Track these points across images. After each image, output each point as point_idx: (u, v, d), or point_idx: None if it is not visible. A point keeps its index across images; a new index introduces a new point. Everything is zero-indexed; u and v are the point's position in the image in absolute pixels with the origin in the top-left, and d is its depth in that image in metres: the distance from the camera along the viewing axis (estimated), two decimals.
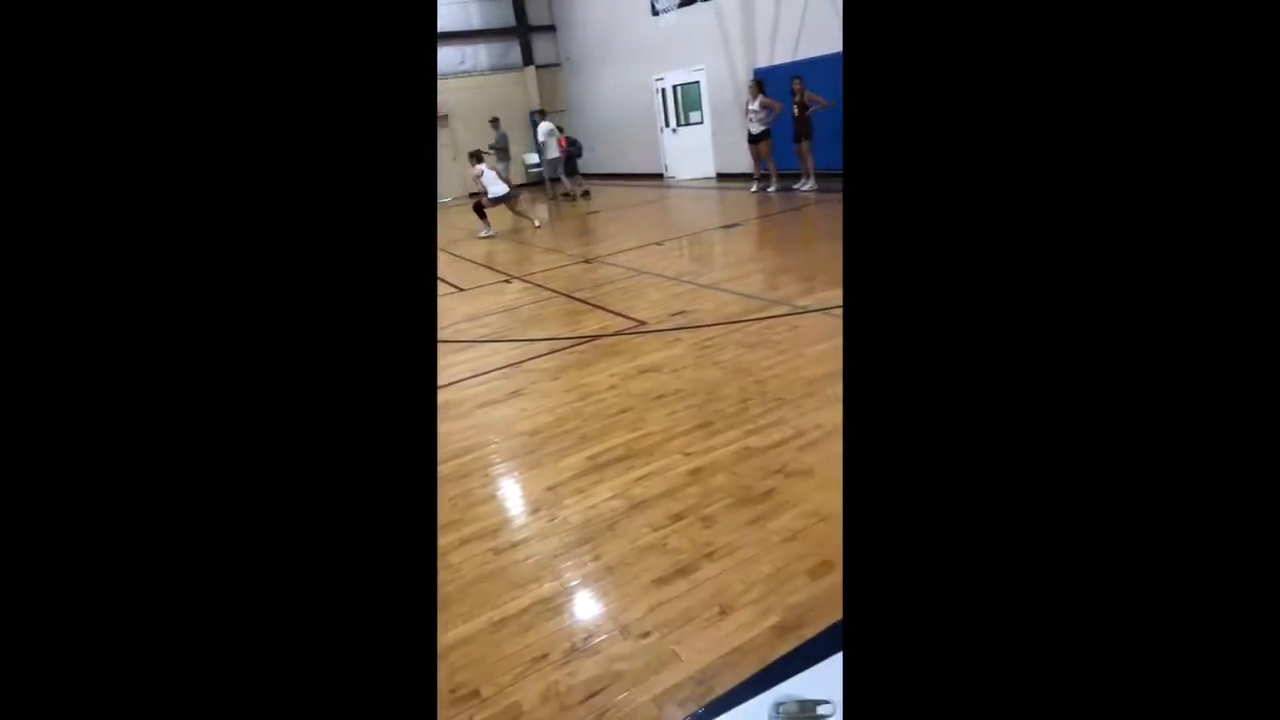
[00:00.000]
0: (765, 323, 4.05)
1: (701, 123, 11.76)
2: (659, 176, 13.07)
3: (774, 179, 9.13)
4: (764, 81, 9.14)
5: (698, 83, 11.54)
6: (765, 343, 3.72)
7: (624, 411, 3.12)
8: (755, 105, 8.82)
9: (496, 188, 8.81)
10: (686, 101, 11.99)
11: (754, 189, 9.31)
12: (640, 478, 2.54)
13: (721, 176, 11.50)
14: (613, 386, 3.43)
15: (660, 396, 3.22)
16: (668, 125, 12.61)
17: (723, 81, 10.90)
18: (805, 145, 8.62)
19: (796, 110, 8.51)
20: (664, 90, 12.43)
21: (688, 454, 2.66)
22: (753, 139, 9.02)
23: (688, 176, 12.33)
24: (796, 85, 8.49)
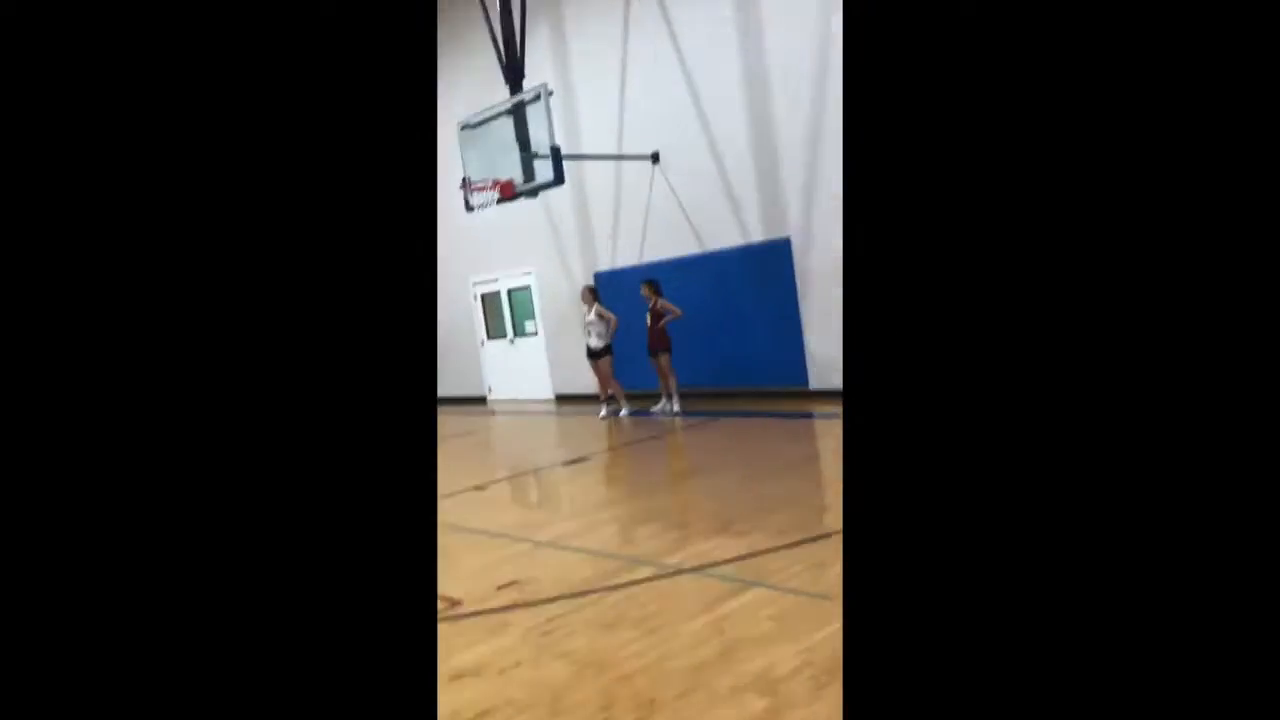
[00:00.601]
0: (625, 591, 3.89)
1: (535, 334, 12.22)
2: (480, 400, 13.19)
3: (622, 401, 9.50)
4: (596, 288, 9.78)
5: (528, 287, 12.12)
6: (626, 620, 3.53)
7: None
8: (591, 316, 9.34)
9: None
10: (518, 309, 12.49)
11: (602, 414, 9.56)
12: None
13: (561, 398, 11.85)
14: None
15: (483, 714, 2.88)
16: (491, 336, 13.04)
17: (558, 286, 11.57)
18: (663, 360, 9.10)
19: (650, 320, 9.09)
20: (481, 296, 12.99)
21: None
22: (591, 354, 9.52)
23: (518, 397, 12.57)
24: (646, 291, 9.14)
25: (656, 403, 9.35)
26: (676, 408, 9.08)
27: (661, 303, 9.05)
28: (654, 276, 9.36)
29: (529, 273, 12.05)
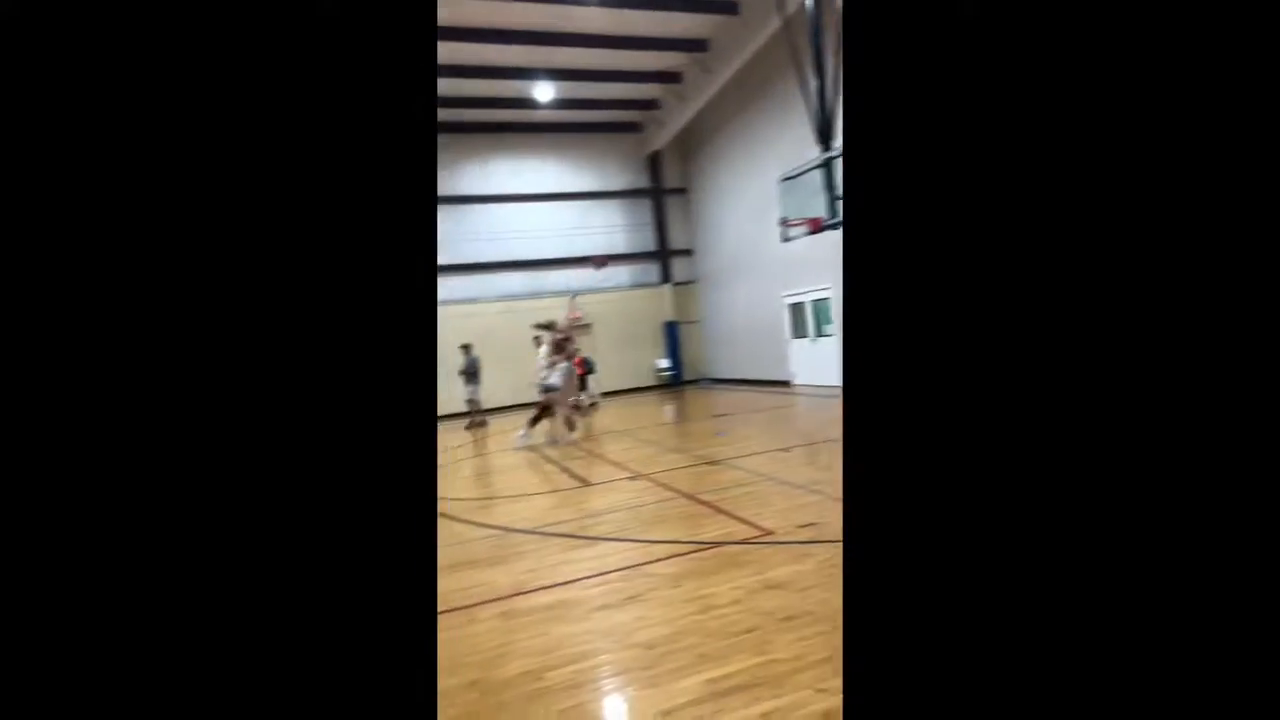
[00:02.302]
0: None
1: (831, 335, 12.08)
2: (785, 383, 13.19)
3: None
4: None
5: (827, 299, 12.04)
6: None
7: (749, 631, 2.83)
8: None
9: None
10: (819, 315, 12.48)
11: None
12: (766, 713, 2.22)
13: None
14: (736, 601, 3.16)
15: (789, 618, 2.92)
16: (795, 335, 13.07)
17: None
18: None
19: None
20: (789, 305, 13.08)
21: (820, 690, 2.32)
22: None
23: (815, 383, 12.41)
24: None
25: None
26: None
27: None
28: None
29: (827, 288, 11.89)
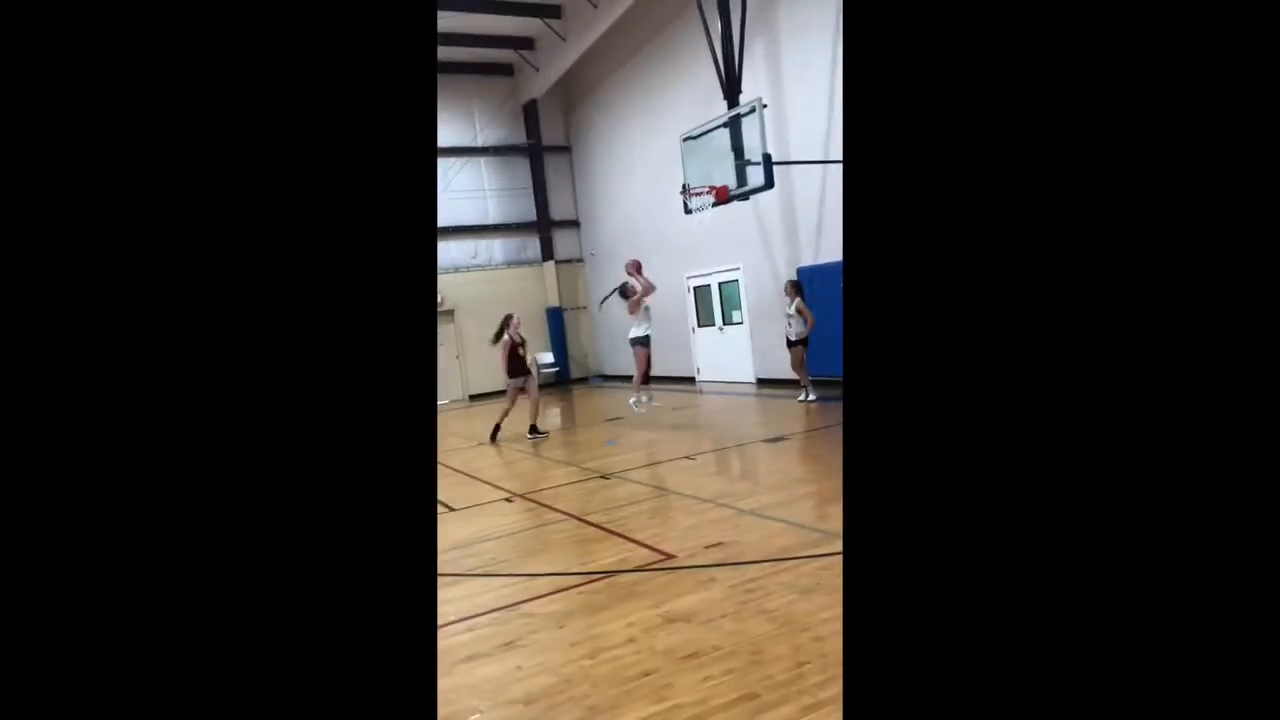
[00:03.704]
0: (821, 561, 3.87)
1: (741, 323, 12.37)
2: (690, 380, 13.43)
3: (808, 389, 9.54)
4: (800, 283, 9.75)
5: (736, 281, 12.30)
6: (822, 587, 3.52)
7: (645, 675, 2.88)
8: (791, 309, 9.47)
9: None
10: (727, 300, 12.74)
11: (801, 398, 9.51)
12: None
13: (763, 382, 11.83)
14: (632, 640, 3.20)
15: (692, 655, 2.98)
16: (701, 324, 13.31)
17: (763, 280, 11.60)
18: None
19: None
20: (694, 288, 13.31)
21: None
22: (789, 344, 9.58)
23: (722, 379, 12.70)
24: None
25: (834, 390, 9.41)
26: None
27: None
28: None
29: (737, 268, 12.16)
